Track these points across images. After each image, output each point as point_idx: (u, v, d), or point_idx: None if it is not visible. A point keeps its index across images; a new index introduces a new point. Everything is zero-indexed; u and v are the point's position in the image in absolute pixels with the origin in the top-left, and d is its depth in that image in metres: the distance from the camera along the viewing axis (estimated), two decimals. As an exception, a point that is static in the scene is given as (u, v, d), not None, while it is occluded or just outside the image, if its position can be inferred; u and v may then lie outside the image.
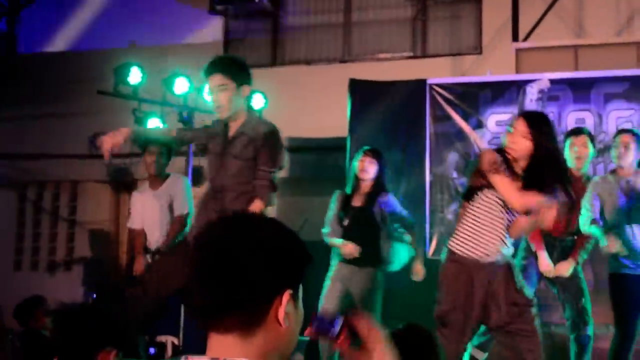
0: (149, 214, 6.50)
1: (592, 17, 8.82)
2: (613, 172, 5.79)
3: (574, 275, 5.43)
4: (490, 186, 4.26)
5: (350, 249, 5.77)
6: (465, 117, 7.78)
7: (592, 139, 5.87)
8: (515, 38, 8.46)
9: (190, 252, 1.54)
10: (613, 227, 5.48)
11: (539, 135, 4.21)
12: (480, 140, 7.69)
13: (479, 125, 7.70)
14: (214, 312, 1.50)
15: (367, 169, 5.90)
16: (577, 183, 5.37)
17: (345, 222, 5.88)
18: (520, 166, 4.26)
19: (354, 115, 8.01)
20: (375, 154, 6.00)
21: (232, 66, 4.39)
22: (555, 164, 4.34)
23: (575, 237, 5.48)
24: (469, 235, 4.36)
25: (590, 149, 5.58)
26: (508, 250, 4.36)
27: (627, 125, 7.38)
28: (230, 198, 4.40)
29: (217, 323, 1.52)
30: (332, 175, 6.87)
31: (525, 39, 8.43)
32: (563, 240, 5.53)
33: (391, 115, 7.96)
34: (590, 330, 5.45)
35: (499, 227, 4.29)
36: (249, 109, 4.82)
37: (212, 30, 9.83)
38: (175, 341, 7.38)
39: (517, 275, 4.41)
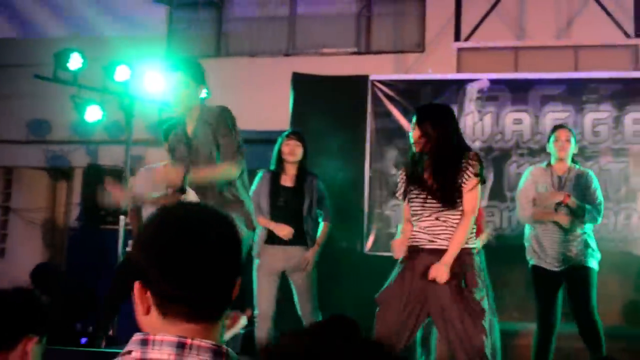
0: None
1: (533, 19, 8.96)
2: (548, 165, 5.91)
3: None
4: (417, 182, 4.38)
5: (287, 230, 5.82)
6: (406, 114, 7.62)
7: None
8: (457, 37, 8.55)
9: None
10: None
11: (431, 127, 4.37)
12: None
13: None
14: None
15: (294, 151, 5.97)
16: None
17: (281, 202, 5.93)
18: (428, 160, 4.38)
19: (296, 109, 7.97)
20: (299, 136, 6.11)
21: (194, 67, 4.71)
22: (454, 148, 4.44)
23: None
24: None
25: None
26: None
27: None
28: (210, 196, 4.56)
29: None
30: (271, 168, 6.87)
31: (467, 39, 8.51)
32: None
33: (333, 110, 7.87)
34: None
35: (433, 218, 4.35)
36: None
37: (156, 19, 9.78)
38: (109, 332, 7.04)
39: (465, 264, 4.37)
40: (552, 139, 5.86)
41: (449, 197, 4.31)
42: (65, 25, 9.83)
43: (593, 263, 5.55)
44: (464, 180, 4.32)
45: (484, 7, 8.49)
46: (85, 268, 8.64)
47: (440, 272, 4.13)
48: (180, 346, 1.50)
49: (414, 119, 4.29)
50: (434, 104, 6.20)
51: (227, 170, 4.58)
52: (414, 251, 4.36)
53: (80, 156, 9.52)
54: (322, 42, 9.52)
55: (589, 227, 5.66)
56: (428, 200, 4.34)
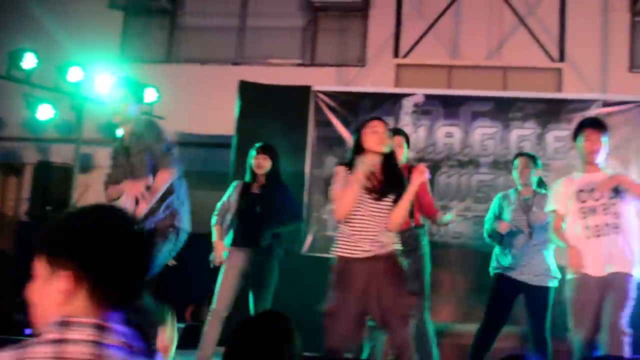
0: None
1: (466, 40, 9.06)
2: (516, 190, 6.01)
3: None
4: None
5: (219, 253, 5.88)
6: (345, 124, 7.70)
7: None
8: (396, 54, 8.63)
9: None
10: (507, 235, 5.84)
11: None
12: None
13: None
14: None
15: (260, 164, 5.99)
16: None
17: (249, 208, 5.96)
18: (377, 163, 4.37)
19: (241, 115, 7.85)
20: (267, 149, 6.10)
21: (136, 88, 5.07)
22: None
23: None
24: (346, 236, 4.38)
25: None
26: (392, 244, 4.38)
27: (490, 142, 7.64)
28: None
29: None
30: (219, 170, 6.88)
31: (405, 56, 8.59)
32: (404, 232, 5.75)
33: (277, 118, 7.74)
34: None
35: (371, 225, 4.33)
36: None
37: (110, 25, 9.70)
38: None
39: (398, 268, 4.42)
40: (514, 165, 6.00)
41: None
42: (20, 26, 9.59)
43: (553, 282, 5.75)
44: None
45: (422, 27, 8.62)
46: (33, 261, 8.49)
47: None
48: (100, 328, 1.53)
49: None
50: None
51: (165, 178, 4.76)
52: (351, 259, 4.36)
53: (31, 153, 9.38)
54: (269, 53, 9.48)
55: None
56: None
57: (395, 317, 4.25)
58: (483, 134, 7.73)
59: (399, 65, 8.68)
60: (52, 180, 8.65)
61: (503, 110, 7.73)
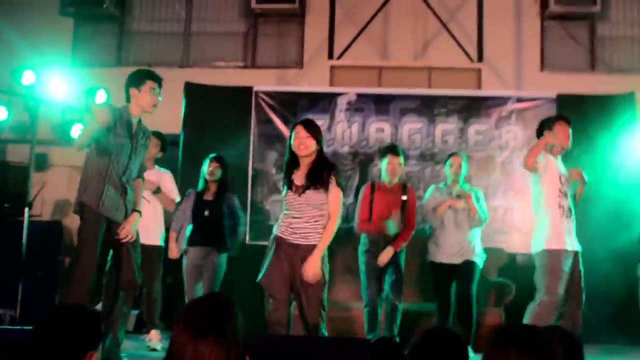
0: None
1: (394, 43, 9.08)
2: (446, 184, 6.29)
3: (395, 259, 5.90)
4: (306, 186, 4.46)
5: (174, 252, 6.33)
6: (285, 122, 7.87)
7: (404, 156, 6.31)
8: (330, 56, 8.63)
9: None
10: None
11: (317, 135, 4.46)
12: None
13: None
14: None
15: (213, 172, 6.28)
16: (393, 190, 6.05)
17: (202, 213, 6.25)
18: (305, 163, 4.45)
19: (187, 115, 8.00)
20: (219, 160, 6.37)
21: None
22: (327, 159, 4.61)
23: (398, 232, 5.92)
24: (287, 223, 4.48)
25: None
26: (318, 236, 4.44)
27: (417, 136, 7.99)
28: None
29: None
30: (167, 167, 6.78)
31: (339, 58, 8.62)
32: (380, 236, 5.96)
33: (221, 117, 7.95)
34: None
35: (298, 216, 4.45)
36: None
37: (62, 30, 9.37)
38: (13, 314, 7.17)
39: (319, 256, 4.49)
40: (447, 164, 6.24)
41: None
42: None
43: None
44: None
45: (354, 32, 8.62)
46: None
47: (313, 268, 4.28)
48: None
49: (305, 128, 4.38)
50: None
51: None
52: (281, 242, 4.46)
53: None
54: (213, 57, 9.36)
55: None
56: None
57: (308, 294, 4.38)
58: (411, 128, 7.98)
59: (333, 67, 8.74)
60: (9, 179, 8.39)
61: (428, 106, 7.95)
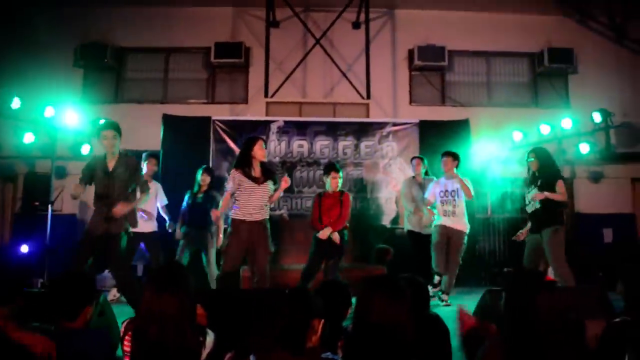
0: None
1: (311, 86, 9.29)
2: (413, 177, 6.76)
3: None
4: (252, 180, 4.76)
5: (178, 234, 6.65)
6: (235, 141, 8.02)
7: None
8: (266, 95, 8.78)
9: None
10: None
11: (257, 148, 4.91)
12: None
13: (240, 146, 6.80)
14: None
15: (205, 179, 6.64)
16: (334, 196, 5.84)
17: (196, 206, 6.50)
18: (258, 165, 4.87)
19: (165, 137, 8.16)
20: (209, 171, 6.71)
21: (119, 128, 4.87)
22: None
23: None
24: (238, 206, 4.79)
25: (341, 178, 5.95)
26: (266, 214, 4.75)
27: (326, 150, 8.10)
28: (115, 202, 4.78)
29: None
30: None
31: (272, 96, 8.78)
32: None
33: (189, 138, 8.09)
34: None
35: (253, 200, 4.76)
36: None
37: (75, 77, 9.37)
38: (42, 280, 7.21)
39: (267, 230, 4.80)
40: (413, 164, 6.68)
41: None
42: (9, 76, 8.69)
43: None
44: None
45: (282, 78, 8.85)
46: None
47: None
48: None
49: None
50: None
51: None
52: (241, 222, 4.69)
53: (22, 166, 8.84)
54: (184, 96, 9.32)
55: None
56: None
57: (260, 257, 4.65)
58: (321, 144, 8.15)
59: (268, 103, 8.68)
60: (37, 185, 8.54)
61: (333, 129, 8.15)
